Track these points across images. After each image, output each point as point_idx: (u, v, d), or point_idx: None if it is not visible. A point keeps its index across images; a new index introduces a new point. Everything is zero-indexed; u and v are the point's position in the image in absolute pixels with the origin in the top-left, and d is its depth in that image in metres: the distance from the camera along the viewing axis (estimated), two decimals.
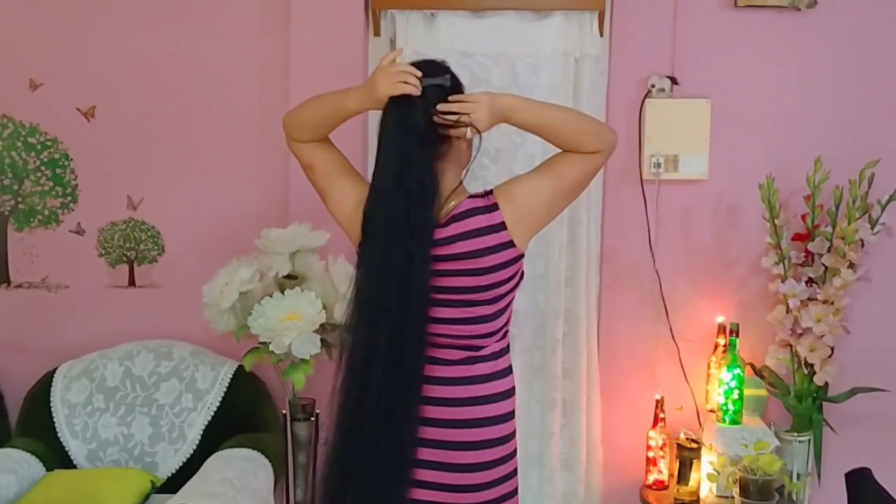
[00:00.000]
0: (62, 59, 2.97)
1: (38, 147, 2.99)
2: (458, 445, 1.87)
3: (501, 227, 1.85)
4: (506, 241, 1.85)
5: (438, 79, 1.86)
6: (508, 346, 1.98)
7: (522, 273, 1.93)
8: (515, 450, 1.97)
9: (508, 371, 1.96)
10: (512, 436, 1.95)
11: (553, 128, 1.87)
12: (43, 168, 3.00)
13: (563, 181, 1.89)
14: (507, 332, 1.96)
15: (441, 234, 1.84)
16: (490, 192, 1.89)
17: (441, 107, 1.82)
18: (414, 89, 1.81)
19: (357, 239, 1.90)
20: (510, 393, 1.95)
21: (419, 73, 1.82)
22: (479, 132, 1.83)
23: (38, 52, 2.97)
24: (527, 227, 1.88)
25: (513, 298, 1.94)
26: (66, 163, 3.00)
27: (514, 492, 1.97)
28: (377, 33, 2.89)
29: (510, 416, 1.94)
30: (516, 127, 1.91)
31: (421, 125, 1.82)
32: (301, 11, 2.85)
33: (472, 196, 1.90)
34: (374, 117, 2.86)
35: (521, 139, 2.88)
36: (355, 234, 1.90)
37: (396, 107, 1.83)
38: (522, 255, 1.89)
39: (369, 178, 1.90)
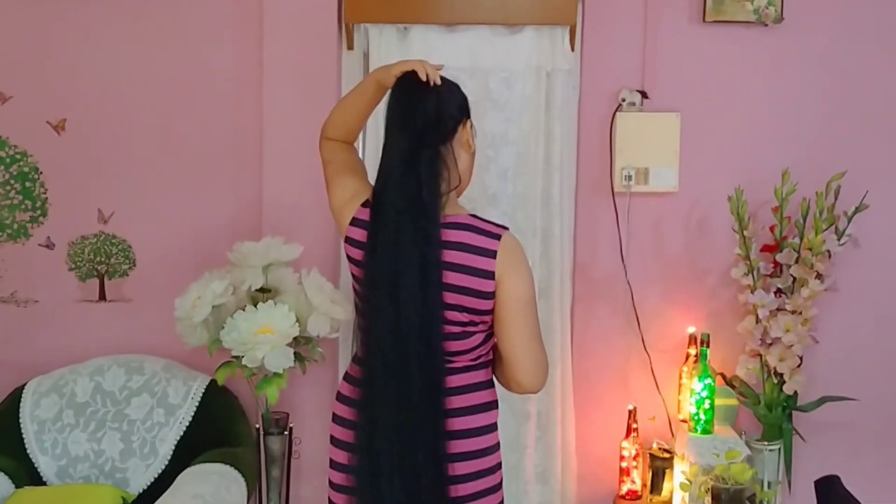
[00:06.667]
0: (32, 72, 2.94)
1: (8, 160, 2.96)
2: None
3: (492, 255, 1.83)
4: (489, 270, 1.82)
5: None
6: (489, 361, 1.95)
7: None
8: (499, 464, 1.95)
9: (486, 385, 1.94)
10: (492, 449, 1.93)
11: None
12: (12, 181, 2.96)
13: (531, 313, 1.89)
14: (486, 350, 1.93)
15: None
16: (503, 227, 1.88)
17: None
18: (420, 67, 1.86)
19: (344, 228, 1.93)
20: (489, 406, 1.93)
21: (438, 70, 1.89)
22: None
23: (7, 65, 2.94)
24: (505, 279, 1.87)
25: (487, 328, 1.90)
26: (36, 176, 2.97)
27: None
28: (350, 47, 2.90)
29: (488, 429, 1.92)
30: None
31: (431, 113, 1.84)
32: (274, 25, 2.86)
33: (473, 215, 1.90)
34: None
35: (494, 152, 2.90)
36: (343, 223, 1.95)
37: (408, 93, 1.86)
38: (494, 294, 1.85)
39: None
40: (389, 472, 1.80)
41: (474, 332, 1.88)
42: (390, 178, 1.84)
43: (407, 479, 1.81)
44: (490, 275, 1.82)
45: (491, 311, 1.86)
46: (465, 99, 1.95)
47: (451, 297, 1.82)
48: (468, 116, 1.95)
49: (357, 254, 1.90)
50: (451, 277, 1.82)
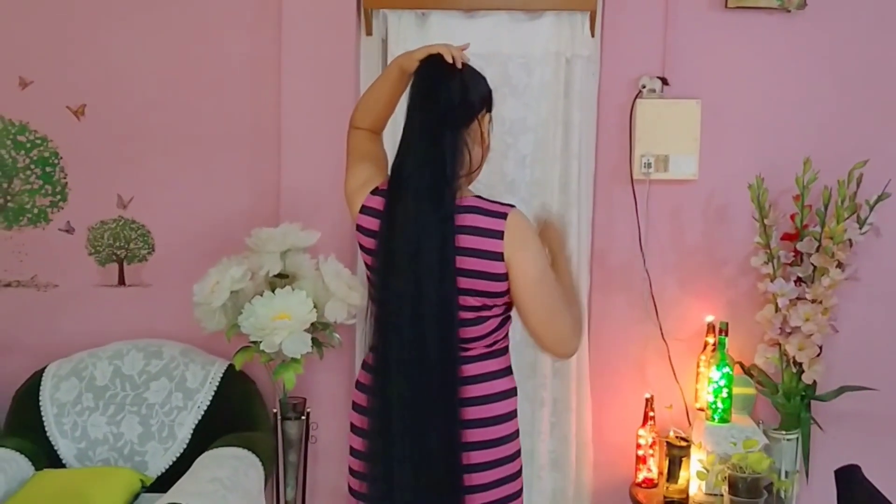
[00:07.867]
0: (52, 58, 2.95)
1: (28, 145, 2.98)
2: None
3: (499, 235, 1.81)
4: (497, 252, 1.81)
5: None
6: (506, 347, 1.95)
7: (509, 304, 1.89)
8: (518, 451, 1.95)
9: (504, 373, 1.93)
10: (510, 438, 1.92)
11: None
12: (32, 166, 2.98)
13: (546, 289, 1.87)
14: (501, 336, 1.92)
15: None
16: (509, 206, 1.87)
17: None
18: (446, 50, 1.85)
19: (355, 215, 1.93)
20: (507, 395, 1.92)
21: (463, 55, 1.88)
22: None
23: (28, 51, 2.95)
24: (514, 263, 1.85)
25: (502, 311, 1.89)
26: (56, 161, 2.99)
27: (517, 494, 1.95)
28: (369, 33, 2.89)
29: (506, 417, 1.91)
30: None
31: (455, 95, 1.82)
32: (293, 11, 2.85)
33: (478, 196, 1.88)
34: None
35: (513, 139, 2.89)
36: (354, 209, 1.95)
37: (432, 75, 1.85)
38: (507, 275, 1.84)
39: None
40: (402, 459, 1.81)
41: (489, 318, 1.88)
42: (410, 156, 1.82)
43: (419, 466, 1.81)
44: (499, 256, 1.81)
45: (505, 293, 1.85)
46: (489, 92, 1.92)
47: (464, 282, 1.82)
48: (489, 110, 1.92)
49: (369, 242, 1.90)
50: (464, 262, 1.81)
